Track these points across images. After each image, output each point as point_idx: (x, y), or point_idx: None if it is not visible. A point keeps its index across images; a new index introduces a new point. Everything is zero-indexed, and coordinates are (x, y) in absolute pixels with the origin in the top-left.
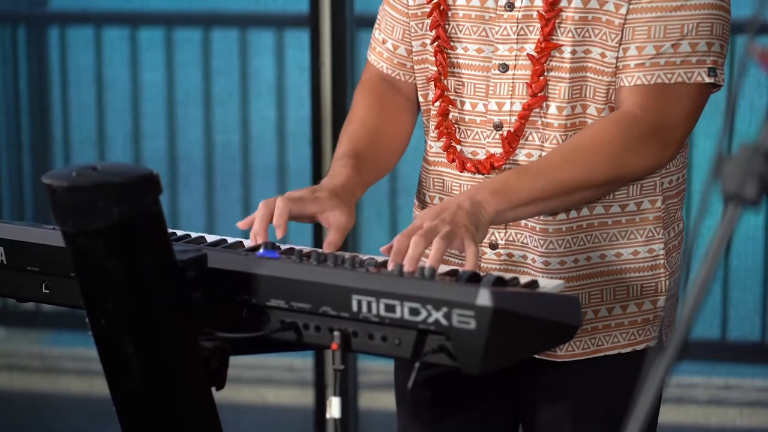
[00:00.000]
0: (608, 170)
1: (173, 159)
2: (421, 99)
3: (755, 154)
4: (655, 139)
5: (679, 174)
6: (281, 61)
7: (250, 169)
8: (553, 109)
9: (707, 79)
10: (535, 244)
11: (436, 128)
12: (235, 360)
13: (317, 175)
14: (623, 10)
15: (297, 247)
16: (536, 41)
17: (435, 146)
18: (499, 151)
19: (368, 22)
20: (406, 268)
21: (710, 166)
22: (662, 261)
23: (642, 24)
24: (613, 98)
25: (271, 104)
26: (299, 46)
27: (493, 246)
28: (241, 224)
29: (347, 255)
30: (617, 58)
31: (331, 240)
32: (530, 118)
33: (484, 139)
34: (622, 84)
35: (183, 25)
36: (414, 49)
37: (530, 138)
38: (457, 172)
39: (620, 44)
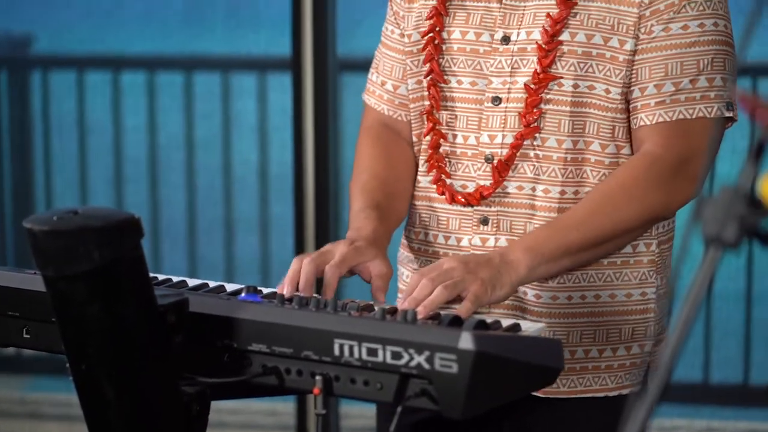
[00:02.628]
0: (638, 215)
1: (155, 203)
2: (414, 138)
3: (736, 197)
4: (680, 176)
5: (670, 219)
6: (263, 104)
7: (233, 213)
8: (551, 142)
9: (726, 113)
10: None
11: (426, 161)
12: (216, 404)
13: (300, 219)
14: (628, 46)
15: (279, 291)
16: (532, 73)
17: (423, 180)
18: (489, 182)
19: (351, 66)
20: (407, 306)
21: (691, 208)
22: (653, 305)
23: (658, 62)
24: (619, 135)
25: (253, 148)
26: (281, 90)
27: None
28: (287, 290)
29: (329, 299)
30: (632, 98)
31: (378, 287)
32: (523, 150)
33: (475, 172)
34: (642, 123)
35: (165, 69)
36: (410, 87)
37: (521, 170)
38: (446, 206)
39: (634, 83)
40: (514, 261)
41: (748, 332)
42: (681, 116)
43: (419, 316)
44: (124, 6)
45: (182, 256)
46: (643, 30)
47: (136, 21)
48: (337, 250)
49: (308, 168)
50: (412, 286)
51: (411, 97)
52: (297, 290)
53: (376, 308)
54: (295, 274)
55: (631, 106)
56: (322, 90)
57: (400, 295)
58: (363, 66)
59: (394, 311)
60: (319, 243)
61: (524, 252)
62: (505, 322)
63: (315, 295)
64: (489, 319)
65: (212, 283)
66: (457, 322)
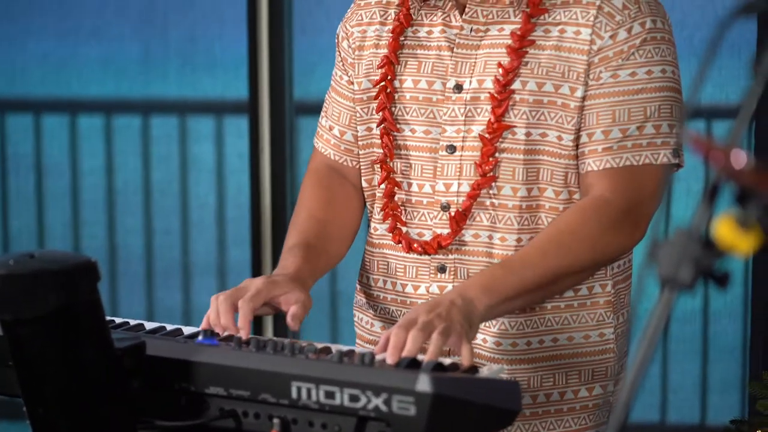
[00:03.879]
0: (588, 255)
1: (112, 246)
2: (365, 184)
3: (690, 239)
4: (627, 220)
5: (626, 258)
6: (221, 147)
7: (190, 256)
8: (506, 191)
9: (672, 160)
10: (487, 325)
11: (381, 210)
12: None
13: (257, 261)
14: (578, 93)
15: (236, 335)
16: (486, 122)
17: (380, 228)
18: (446, 231)
19: (307, 109)
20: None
21: (647, 250)
22: (612, 345)
23: (605, 108)
24: (571, 181)
25: (210, 191)
26: (238, 133)
27: None
28: (202, 326)
29: (286, 341)
30: (581, 143)
31: (294, 312)
32: (479, 199)
33: (431, 220)
34: (589, 169)
35: (122, 112)
36: (359, 134)
37: (478, 218)
38: (403, 254)
39: (581, 129)
40: (474, 300)
41: (704, 372)
42: (628, 162)
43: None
44: (80, 49)
45: (139, 299)
46: (592, 76)
47: (93, 64)
48: (253, 284)
49: (265, 211)
50: (399, 340)
51: (360, 143)
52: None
53: (333, 351)
54: (215, 311)
55: (579, 151)
56: (279, 133)
57: (359, 341)
58: (320, 109)
59: (351, 353)
60: None
61: (482, 291)
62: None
63: (272, 337)
64: (447, 361)
65: (169, 327)
66: (414, 364)
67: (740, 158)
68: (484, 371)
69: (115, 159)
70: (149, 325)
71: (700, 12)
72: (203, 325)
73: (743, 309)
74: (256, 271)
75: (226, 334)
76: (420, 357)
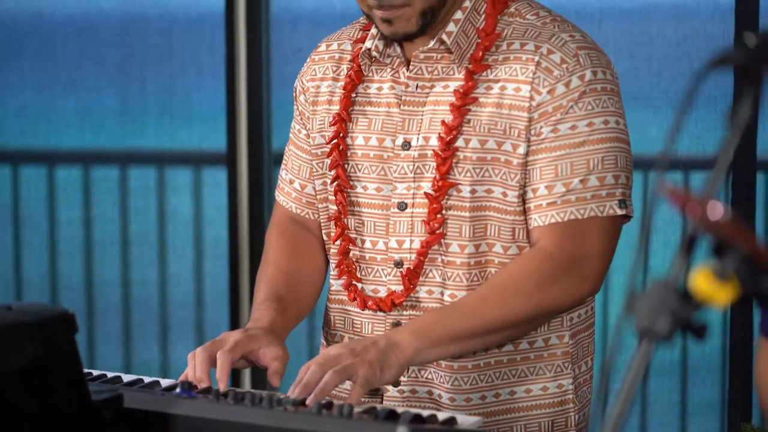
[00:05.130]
0: (526, 308)
1: (90, 298)
2: (324, 237)
3: (667, 290)
4: (572, 274)
5: (587, 308)
6: (198, 198)
7: (167, 307)
8: (454, 248)
9: (619, 212)
10: (441, 380)
11: (336, 267)
12: None
13: (235, 313)
14: (521, 150)
15: (215, 387)
16: (432, 179)
17: (336, 284)
18: (399, 288)
19: None
20: (299, 393)
21: (624, 301)
22: (571, 396)
23: (548, 163)
24: (519, 236)
25: (188, 242)
26: (216, 184)
27: (395, 383)
28: (182, 377)
29: (264, 393)
30: (524, 197)
31: (276, 369)
32: (430, 256)
33: (385, 276)
34: (535, 224)
35: (100, 164)
36: (317, 188)
37: (431, 275)
38: (359, 310)
39: (527, 185)
40: (401, 342)
41: (683, 424)
42: (572, 216)
43: (308, 403)
44: (58, 101)
45: (117, 352)
46: (533, 132)
47: (71, 116)
48: (231, 337)
49: (243, 262)
50: (301, 375)
51: (318, 197)
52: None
53: (311, 403)
54: (191, 366)
55: (525, 206)
56: (257, 184)
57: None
58: None
59: (329, 406)
60: None
61: (412, 334)
62: (441, 416)
63: (250, 389)
64: (425, 413)
65: (147, 379)
66: (392, 416)
67: (717, 210)
68: (462, 423)
69: (92, 210)
70: (127, 378)
71: (677, 64)
72: (181, 377)
73: (721, 360)
74: (234, 322)
75: (203, 386)
76: (400, 410)
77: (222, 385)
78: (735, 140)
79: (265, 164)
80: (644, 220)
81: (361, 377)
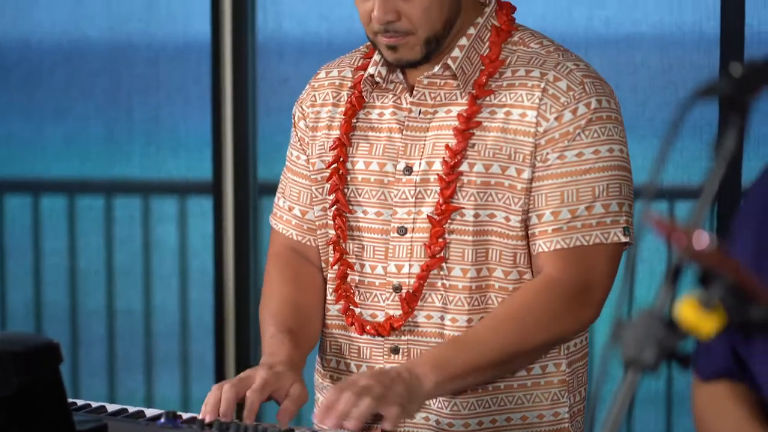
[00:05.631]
0: (539, 336)
1: (75, 327)
2: (323, 264)
3: (653, 320)
4: (579, 300)
5: (582, 337)
6: (184, 228)
7: (153, 337)
8: (457, 272)
9: (623, 239)
10: (440, 406)
11: (334, 291)
12: None
13: (220, 343)
14: (525, 175)
15: (199, 416)
16: (435, 204)
17: (333, 309)
18: (398, 312)
19: (272, 189)
20: (331, 423)
21: (610, 331)
22: (567, 425)
23: (554, 189)
24: (521, 262)
25: (174, 272)
26: (202, 214)
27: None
28: (209, 416)
29: (249, 424)
30: (528, 223)
31: (288, 409)
32: (430, 280)
33: (384, 301)
34: (540, 250)
35: (85, 193)
36: (316, 214)
37: (430, 299)
38: (356, 335)
39: (531, 210)
40: (421, 376)
41: None
42: (578, 243)
43: (350, 426)
44: (44, 130)
45: (101, 381)
46: (538, 158)
47: (57, 144)
48: (258, 375)
49: (228, 292)
50: (331, 400)
51: (317, 223)
52: (218, 416)
53: (352, 427)
54: (216, 399)
55: (529, 232)
56: (243, 214)
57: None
58: None
59: None
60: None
61: (432, 368)
62: None
63: (235, 420)
64: None
65: (131, 409)
66: None
67: (702, 239)
68: None
69: (77, 240)
70: (111, 407)
71: (662, 93)
72: (202, 412)
73: None
74: (219, 353)
75: (188, 416)
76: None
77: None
78: (720, 170)
79: (250, 193)
80: (630, 249)
81: (393, 414)
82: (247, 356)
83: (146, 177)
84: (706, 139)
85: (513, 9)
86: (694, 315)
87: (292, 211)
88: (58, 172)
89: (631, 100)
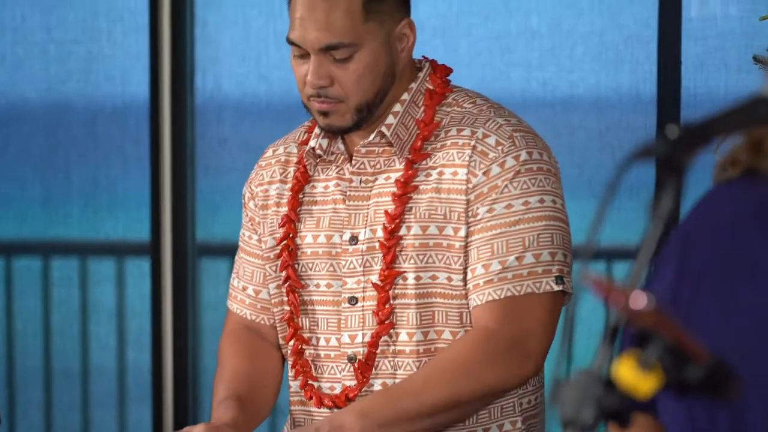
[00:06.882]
0: (470, 388)
1: (12, 388)
2: (281, 340)
3: (592, 380)
4: (514, 352)
5: (537, 393)
6: (122, 289)
7: (90, 398)
8: (403, 336)
9: (555, 288)
10: None
11: (292, 367)
12: None
13: (158, 406)
14: (462, 233)
15: None
16: (379, 270)
17: (293, 385)
18: (353, 383)
19: (211, 251)
20: None
21: (549, 391)
22: None
23: (484, 242)
24: (467, 321)
25: (111, 333)
26: (140, 275)
27: None
28: None
29: None
30: (466, 279)
31: None
32: (381, 347)
33: (340, 372)
34: (475, 303)
35: (22, 254)
36: (271, 292)
37: (383, 366)
38: (315, 409)
39: (466, 266)
40: (345, 425)
41: None
42: (509, 293)
43: None
44: None
45: None
46: (470, 214)
47: None
48: (196, 428)
49: (167, 354)
50: None
51: (273, 301)
52: None
53: None
54: None
55: (466, 288)
56: (182, 275)
57: None
58: (222, 251)
59: None
60: None
61: (356, 416)
62: None
63: None
64: None
65: None
66: None
67: (640, 300)
68: None
69: (14, 301)
70: None
71: (599, 155)
72: None
73: None
74: (157, 416)
75: None
76: None
77: None
78: (657, 230)
79: (189, 255)
80: (568, 309)
81: None
82: (185, 420)
83: (84, 238)
84: (643, 199)
85: (448, 71)
86: (632, 375)
87: (246, 291)
88: None
89: (568, 162)
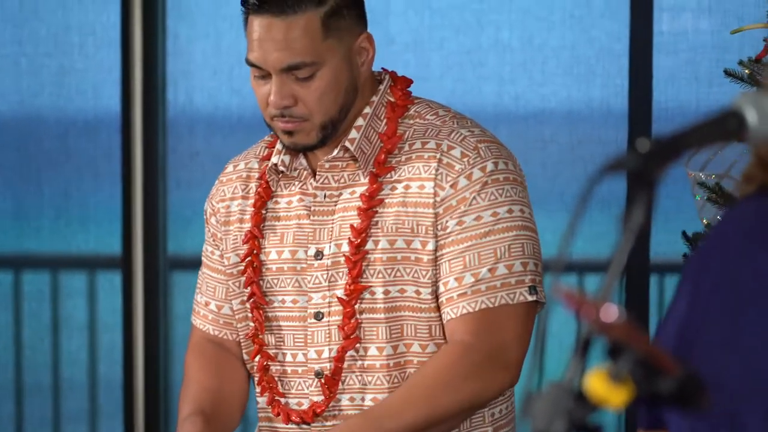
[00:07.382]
0: (450, 403)
1: None
2: (245, 356)
3: (563, 392)
4: (492, 364)
5: (508, 403)
6: (93, 303)
7: (61, 412)
8: (372, 351)
9: (529, 298)
10: None
11: (258, 384)
12: None
13: (129, 422)
14: (430, 246)
15: None
16: (345, 285)
17: (261, 401)
18: (320, 398)
19: (182, 264)
20: None
21: (520, 404)
22: None
23: (456, 255)
24: (436, 334)
25: (83, 347)
26: (111, 289)
27: None
28: None
29: None
30: (437, 293)
31: None
32: (348, 362)
33: (307, 388)
34: (449, 317)
35: None
36: (235, 308)
37: (350, 381)
38: (283, 425)
39: (438, 280)
40: None
41: None
42: (484, 306)
43: None
44: None
45: None
46: (439, 227)
47: None
48: None
49: (138, 367)
50: None
51: (237, 317)
52: None
53: None
54: None
55: (439, 301)
56: (153, 289)
57: None
58: (194, 264)
59: None
60: None
61: None
62: None
63: None
64: None
65: None
66: None
67: (611, 312)
68: None
69: None
70: None
71: (571, 168)
72: None
73: None
74: (128, 428)
75: None
76: None
77: None
78: (629, 243)
79: (160, 268)
80: (540, 322)
81: None
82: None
83: (55, 251)
84: (614, 212)
85: (408, 83)
86: (604, 387)
87: (209, 306)
88: None
89: (540, 175)
